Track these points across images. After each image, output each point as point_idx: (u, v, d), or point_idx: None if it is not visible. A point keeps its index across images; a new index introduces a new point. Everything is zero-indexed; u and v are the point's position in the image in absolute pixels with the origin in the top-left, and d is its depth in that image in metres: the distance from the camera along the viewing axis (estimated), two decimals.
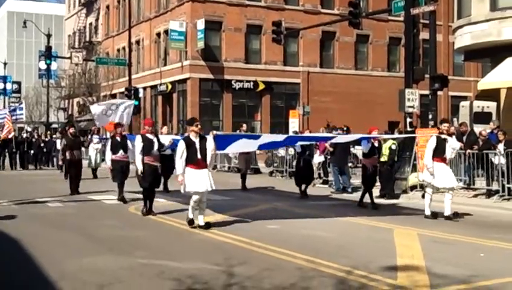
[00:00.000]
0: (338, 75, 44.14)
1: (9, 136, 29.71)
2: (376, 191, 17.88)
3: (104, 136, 29.81)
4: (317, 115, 37.26)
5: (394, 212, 14.66)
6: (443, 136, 13.26)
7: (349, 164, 19.83)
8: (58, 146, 27.62)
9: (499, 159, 16.01)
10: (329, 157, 20.32)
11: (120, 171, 15.56)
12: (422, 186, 17.99)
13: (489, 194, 16.53)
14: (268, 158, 29.36)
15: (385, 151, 17.01)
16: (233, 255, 8.90)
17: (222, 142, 12.71)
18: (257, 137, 15.29)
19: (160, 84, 44.54)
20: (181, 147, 11.33)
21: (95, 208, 14.97)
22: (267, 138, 15.04)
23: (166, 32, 43.30)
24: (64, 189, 17.72)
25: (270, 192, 19.78)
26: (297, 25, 37.29)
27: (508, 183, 15.79)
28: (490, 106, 24.83)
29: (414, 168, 18.05)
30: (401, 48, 41.39)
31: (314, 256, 8.74)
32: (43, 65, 49.39)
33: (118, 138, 15.78)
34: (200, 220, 11.40)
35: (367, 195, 15.30)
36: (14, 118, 35.16)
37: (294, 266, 8.26)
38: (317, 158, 21.29)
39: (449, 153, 13.31)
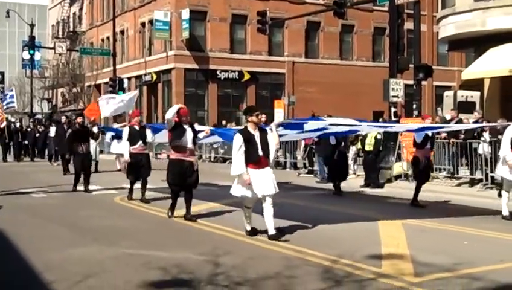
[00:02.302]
0: (323, 65, 44.21)
1: (1, 126, 27.94)
2: (361, 180, 18.01)
3: (103, 126, 29.17)
4: (302, 105, 37.29)
5: (379, 202, 14.74)
6: None
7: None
8: (52, 134, 26.80)
9: (483, 147, 16.12)
10: (314, 147, 20.36)
11: (137, 166, 13.78)
12: (407, 176, 18.13)
13: (473, 183, 16.65)
14: None
15: (370, 140, 17.08)
16: (219, 245, 8.92)
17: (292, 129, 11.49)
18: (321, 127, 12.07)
19: (145, 75, 44.37)
20: (238, 141, 9.30)
21: (80, 198, 14.92)
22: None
23: (150, 22, 43.12)
24: (51, 180, 17.64)
25: None
26: (282, 15, 37.26)
27: (492, 172, 15.91)
28: (474, 96, 25.00)
29: (398, 158, 18.15)
30: (385, 38, 41.55)
31: (299, 245, 8.77)
32: (26, 55, 49.01)
33: (137, 127, 14.00)
34: (271, 229, 9.36)
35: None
36: (4, 106, 33.16)
37: (280, 255, 8.30)
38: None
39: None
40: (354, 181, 18.14)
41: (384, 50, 43.80)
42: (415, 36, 20.91)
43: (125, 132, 13.84)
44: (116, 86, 36.59)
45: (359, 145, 18.53)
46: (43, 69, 60.54)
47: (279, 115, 35.43)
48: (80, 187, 15.79)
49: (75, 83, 53.80)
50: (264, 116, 9.44)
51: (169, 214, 11.48)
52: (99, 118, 32.24)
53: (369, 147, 17.11)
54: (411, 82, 20.70)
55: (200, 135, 11.77)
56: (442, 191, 16.21)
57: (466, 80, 23.85)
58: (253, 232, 9.61)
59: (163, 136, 14.31)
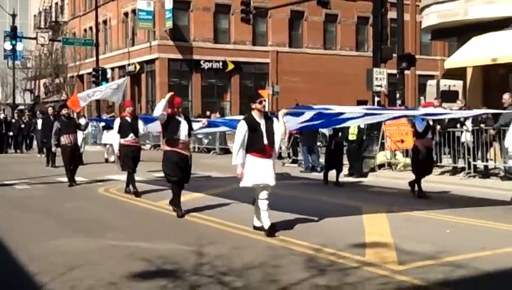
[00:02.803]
0: (307, 54, 44.25)
1: None
2: (345, 170, 18.06)
3: (91, 118, 28.94)
4: (286, 94, 37.33)
5: (363, 191, 14.82)
6: None
7: (318, 143, 19.91)
8: (39, 127, 26.03)
9: (465, 136, 16.23)
10: (298, 137, 20.41)
11: (130, 158, 13.27)
12: (390, 165, 18.24)
13: (455, 171, 16.77)
14: None
15: (353, 130, 17.12)
16: (204, 235, 8.93)
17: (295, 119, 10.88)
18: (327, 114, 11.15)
19: (129, 65, 44.18)
20: (242, 129, 8.84)
21: (63, 190, 14.85)
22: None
23: (134, 11, 42.89)
24: (35, 172, 17.52)
25: None
26: (265, 5, 37.24)
27: (474, 160, 16.05)
28: (456, 85, 25.12)
29: (382, 147, 18.24)
30: (369, 27, 41.61)
31: (284, 235, 8.81)
32: (8, 46, 48.48)
33: (128, 119, 13.37)
34: (256, 221, 9.24)
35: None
36: None
37: (265, 244, 8.33)
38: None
39: None
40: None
41: (368, 39, 43.88)
42: (398, 26, 20.96)
43: (116, 124, 13.36)
44: (99, 76, 36.40)
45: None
46: (25, 60, 60.07)
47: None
48: (63, 179, 15.70)
49: (57, 73, 53.45)
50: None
51: (179, 213, 10.59)
52: (87, 108, 32.09)
53: (352, 137, 17.16)
54: (394, 71, 20.77)
55: (196, 126, 11.41)
56: (425, 180, 16.26)
57: (449, 69, 23.94)
58: (273, 228, 8.94)
59: (157, 126, 14.24)
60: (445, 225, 9.86)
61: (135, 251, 7.91)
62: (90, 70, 40.93)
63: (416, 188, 13.38)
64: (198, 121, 11.66)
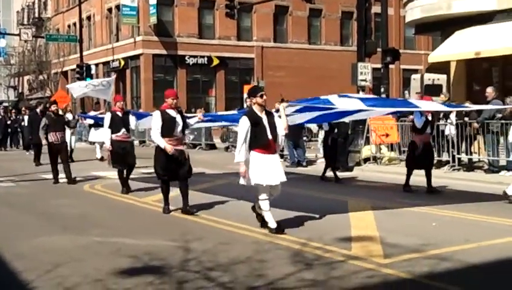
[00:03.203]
0: (292, 49, 44.27)
1: None
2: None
3: (82, 114, 28.61)
4: (271, 89, 36.99)
5: (348, 185, 14.87)
6: None
7: (304, 138, 19.95)
8: (26, 123, 25.77)
9: (449, 129, 16.33)
10: None
11: (121, 154, 13.01)
12: (375, 159, 18.32)
13: (440, 164, 16.86)
14: (224, 133, 29.38)
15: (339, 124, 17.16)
16: (189, 230, 8.93)
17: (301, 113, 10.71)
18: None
19: (113, 61, 43.98)
20: (245, 125, 8.47)
21: (48, 186, 14.77)
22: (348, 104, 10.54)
23: (117, 7, 42.69)
24: (20, 169, 17.38)
25: (227, 168, 19.83)
26: (250, 0, 37.15)
27: (458, 153, 16.15)
28: (440, 79, 25.24)
29: (367, 141, 18.31)
30: (353, 22, 41.74)
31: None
32: None
33: (119, 114, 13.13)
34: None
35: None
36: None
37: (251, 239, 8.34)
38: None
39: None
40: (323, 165, 18.22)
41: (352, 34, 43.98)
42: (382, 20, 21.01)
43: (107, 118, 13.04)
44: (83, 72, 36.23)
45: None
46: (8, 56, 59.55)
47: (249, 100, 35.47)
48: (48, 175, 15.59)
49: (41, 70, 53.12)
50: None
51: (167, 209, 10.46)
52: (72, 105, 31.86)
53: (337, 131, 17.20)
54: (379, 66, 20.83)
55: (191, 121, 11.04)
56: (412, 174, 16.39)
57: (433, 63, 24.06)
58: (280, 227, 8.67)
59: (148, 122, 14.11)
60: (429, 218, 9.93)
61: (121, 247, 7.90)
62: (74, 66, 40.69)
63: (408, 182, 13.24)
64: (192, 117, 11.33)
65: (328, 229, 8.91)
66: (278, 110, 9.25)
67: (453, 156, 16.22)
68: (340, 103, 10.17)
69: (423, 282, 6.31)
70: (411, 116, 17.18)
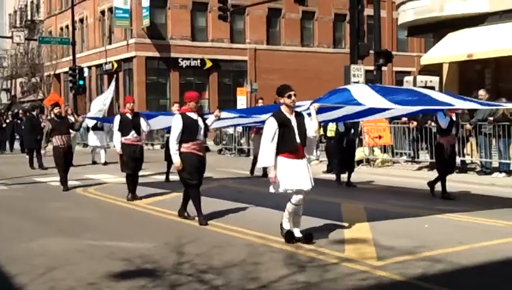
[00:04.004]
0: (285, 52, 44.30)
1: None
2: (324, 166, 18.14)
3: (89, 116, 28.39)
4: (265, 92, 37.18)
5: (341, 187, 14.87)
6: None
7: None
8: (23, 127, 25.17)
9: None
10: None
11: (132, 158, 12.39)
12: (368, 161, 18.35)
13: (433, 166, 16.90)
14: (217, 136, 29.39)
15: (332, 126, 17.18)
16: (183, 233, 8.93)
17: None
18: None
19: (106, 63, 43.91)
20: (272, 127, 7.85)
21: (41, 190, 14.74)
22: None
23: (110, 10, 42.63)
24: (14, 172, 17.28)
25: (220, 171, 19.84)
26: (243, 2, 37.13)
27: None
28: (433, 81, 25.29)
29: (360, 143, 18.34)
30: (346, 24, 41.81)
31: (264, 232, 8.83)
32: None
33: (129, 115, 12.47)
34: (297, 231, 8.26)
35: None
36: None
37: (245, 242, 8.35)
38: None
39: None
40: (317, 167, 18.27)
41: (345, 36, 44.05)
42: (375, 22, 21.09)
43: (116, 121, 12.45)
44: (76, 75, 36.15)
45: (321, 132, 18.62)
46: (0, 59, 59.49)
47: (241, 102, 35.49)
48: (41, 179, 15.55)
49: (34, 72, 53.00)
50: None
51: (204, 221, 9.62)
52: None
53: (331, 133, 17.21)
54: (371, 68, 20.90)
55: (209, 121, 10.17)
56: (403, 175, 16.47)
57: (425, 65, 24.11)
58: (291, 235, 8.18)
59: (160, 122, 13.71)
60: (422, 219, 9.95)
61: (115, 250, 7.89)
62: (67, 69, 40.56)
63: (432, 187, 12.64)
64: (209, 117, 10.35)
65: (322, 231, 8.92)
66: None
67: None
68: (366, 99, 9.16)
69: (416, 284, 6.33)
70: (404, 118, 17.30)
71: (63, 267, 7.06)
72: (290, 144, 7.86)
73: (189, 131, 9.49)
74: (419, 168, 17.43)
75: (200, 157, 9.73)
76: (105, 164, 20.59)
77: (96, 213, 11.25)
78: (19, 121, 30.14)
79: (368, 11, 23.64)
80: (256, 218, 10.18)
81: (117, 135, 12.37)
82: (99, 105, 22.59)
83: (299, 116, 8.06)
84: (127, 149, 12.27)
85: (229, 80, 42.88)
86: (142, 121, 12.54)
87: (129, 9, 40.30)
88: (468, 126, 15.78)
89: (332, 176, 16.78)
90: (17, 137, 30.27)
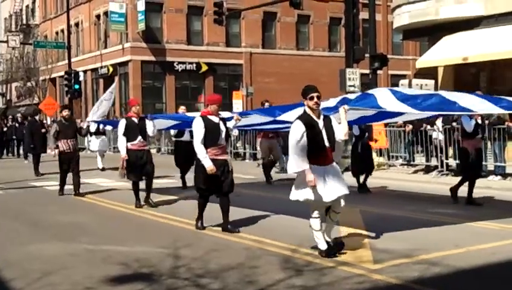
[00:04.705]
0: (280, 55, 44.39)
1: None
2: None
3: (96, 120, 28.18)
4: (260, 95, 37.21)
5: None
6: None
7: None
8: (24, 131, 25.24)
9: (438, 134, 16.43)
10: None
11: (138, 164, 11.88)
12: None
13: (428, 170, 16.95)
14: None
15: None
16: (180, 237, 8.92)
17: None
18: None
19: (101, 67, 43.91)
20: (299, 130, 7.36)
21: (37, 194, 14.71)
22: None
23: (106, 14, 42.66)
24: (10, 176, 17.21)
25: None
26: (238, 6, 37.22)
27: (446, 159, 16.24)
28: (428, 84, 25.34)
29: None
30: (341, 28, 41.82)
31: (261, 236, 8.84)
32: None
33: (135, 119, 11.95)
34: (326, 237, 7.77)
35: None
36: None
37: (242, 246, 8.35)
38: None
39: None
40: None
41: (340, 40, 44.11)
42: (370, 26, 21.13)
43: (121, 125, 11.91)
44: (71, 79, 36.06)
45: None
46: None
47: (237, 106, 35.50)
48: (37, 183, 15.50)
49: (29, 77, 52.92)
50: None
51: (199, 225, 9.55)
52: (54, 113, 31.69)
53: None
54: (367, 71, 20.94)
55: (230, 125, 9.83)
56: (398, 179, 16.48)
57: (420, 69, 24.21)
58: (331, 250, 7.58)
59: (163, 123, 13.54)
60: (418, 222, 9.95)
61: (111, 254, 7.88)
62: (63, 73, 40.53)
63: (455, 193, 12.14)
64: (229, 120, 9.97)
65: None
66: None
67: (441, 161, 16.31)
68: (388, 104, 8.73)
69: (413, 287, 6.33)
70: (400, 122, 17.33)
71: (59, 272, 7.05)
72: (317, 149, 7.38)
73: (210, 135, 9.02)
74: (415, 172, 17.46)
75: (221, 161, 9.13)
76: (103, 169, 20.31)
77: (92, 217, 11.23)
78: (17, 125, 30.00)
79: (363, 14, 23.69)
80: (253, 222, 10.17)
81: (122, 139, 11.84)
82: (103, 107, 22.13)
83: (327, 118, 7.60)
84: (133, 155, 11.77)
85: (225, 84, 42.92)
86: (148, 124, 12.02)
87: (124, 13, 40.33)
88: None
89: None
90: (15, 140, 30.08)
